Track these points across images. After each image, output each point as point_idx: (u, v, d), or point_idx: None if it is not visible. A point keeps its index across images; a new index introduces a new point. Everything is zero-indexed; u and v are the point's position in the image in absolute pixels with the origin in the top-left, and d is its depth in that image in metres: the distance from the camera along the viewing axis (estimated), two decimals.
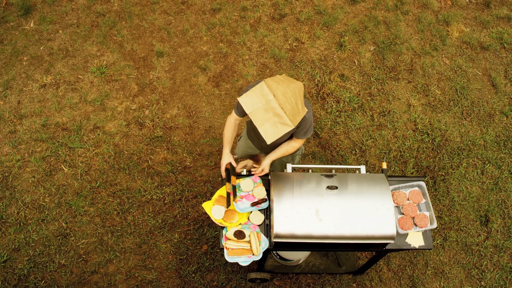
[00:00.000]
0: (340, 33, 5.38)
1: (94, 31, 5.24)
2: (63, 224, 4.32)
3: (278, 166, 3.88)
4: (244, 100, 2.87)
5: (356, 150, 4.76)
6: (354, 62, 5.23)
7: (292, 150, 3.37)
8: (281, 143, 3.37)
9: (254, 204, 3.25)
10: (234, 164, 3.33)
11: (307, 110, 3.07)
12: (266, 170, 3.36)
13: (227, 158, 3.32)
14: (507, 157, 4.83)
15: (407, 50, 5.33)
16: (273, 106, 2.83)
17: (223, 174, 3.34)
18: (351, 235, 3.01)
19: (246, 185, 3.34)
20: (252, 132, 3.57)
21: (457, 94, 5.13)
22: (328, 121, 4.85)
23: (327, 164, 4.67)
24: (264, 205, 3.28)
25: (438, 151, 4.81)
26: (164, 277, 4.19)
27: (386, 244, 3.16)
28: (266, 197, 3.30)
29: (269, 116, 2.84)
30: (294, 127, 2.85)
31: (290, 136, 3.34)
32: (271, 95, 2.84)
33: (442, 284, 4.29)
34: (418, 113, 4.98)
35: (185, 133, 4.75)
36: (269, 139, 2.86)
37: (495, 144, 4.90)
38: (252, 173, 3.41)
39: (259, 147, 3.64)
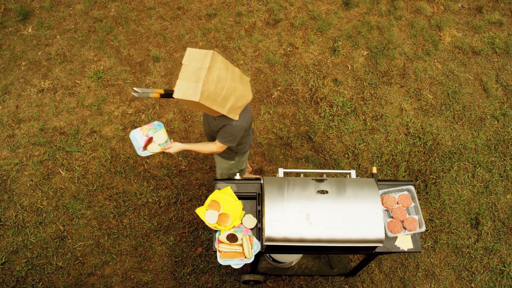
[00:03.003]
0: (333, 38, 5.46)
1: (91, 37, 5.32)
2: (61, 226, 4.40)
3: (218, 175, 4.01)
4: (189, 52, 2.97)
5: (349, 154, 4.84)
6: (348, 67, 5.31)
7: (206, 150, 3.46)
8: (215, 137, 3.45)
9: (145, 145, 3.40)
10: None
11: (236, 120, 3.15)
12: (171, 151, 3.43)
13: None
14: (498, 161, 4.91)
15: (399, 55, 5.41)
16: (200, 74, 2.91)
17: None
18: (340, 238, 3.09)
19: (158, 137, 3.44)
20: (203, 117, 3.65)
21: (448, 99, 5.21)
22: (321, 125, 4.93)
23: (320, 167, 4.75)
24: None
25: (430, 154, 4.89)
26: (160, 279, 4.27)
27: (375, 247, 3.24)
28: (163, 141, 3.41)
29: (192, 78, 2.92)
30: (197, 100, 2.91)
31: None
32: (208, 66, 2.92)
33: (432, 286, 4.36)
34: (410, 117, 5.06)
35: (181, 137, 4.82)
36: (176, 94, 2.94)
37: (486, 147, 4.98)
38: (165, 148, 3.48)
39: (205, 132, 3.70)
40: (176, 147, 3.44)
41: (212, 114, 3.23)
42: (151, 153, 3.42)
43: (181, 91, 2.94)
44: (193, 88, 2.92)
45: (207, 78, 2.92)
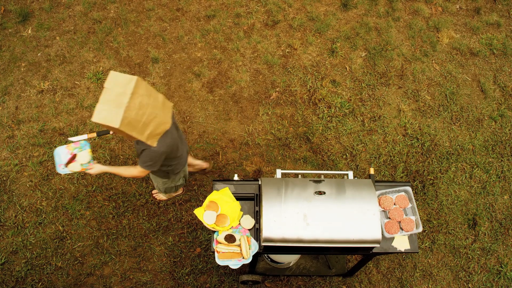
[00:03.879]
0: (332, 39, 5.49)
1: (90, 38, 5.34)
2: (60, 227, 4.42)
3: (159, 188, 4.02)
4: (113, 76, 2.94)
5: (347, 154, 4.86)
6: (346, 68, 5.33)
7: (128, 174, 3.45)
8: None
9: (68, 163, 3.43)
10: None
11: (155, 145, 3.15)
12: (91, 172, 3.45)
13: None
14: (495, 162, 4.94)
15: (398, 56, 5.44)
16: (122, 100, 2.88)
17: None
18: (337, 239, 3.11)
19: (82, 156, 3.46)
20: None
21: (446, 100, 5.23)
22: (319, 126, 4.96)
23: (318, 168, 4.77)
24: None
25: (428, 155, 4.92)
26: (158, 279, 4.29)
27: (372, 247, 3.26)
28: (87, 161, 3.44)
29: (113, 103, 2.89)
30: (117, 127, 2.89)
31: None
32: (131, 93, 2.89)
33: (430, 286, 4.39)
34: (408, 118, 5.09)
35: None
36: (95, 118, 2.91)
37: (484, 148, 5.00)
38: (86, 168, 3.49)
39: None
40: (97, 168, 3.44)
41: (129, 139, 3.23)
42: (71, 172, 3.43)
43: (101, 116, 2.90)
44: (114, 113, 2.88)
45: (129, 104, 2.89)
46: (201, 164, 4.49)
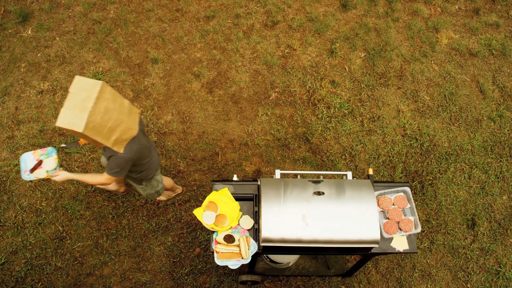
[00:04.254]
0: (331, 40, 5.50)
1: (90, 38, 5.35)
2: (60, 227, 4.43)
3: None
4: (78, 80, 2.93)
5: (346, 155, 4.87)
6: (345, 68, 5.34)
7: (94, 181, 3.43)
8: None
9: (32, 170, 3.42)
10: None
11: (122, 152, 3.13)
12: (57, 179, 3.43)
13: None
14: (494, 162, 4.95)
15: (397, 57, 5.45)
16: (87, 105, 2.88)
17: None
18: (336, 239, 3.12)
19: (48, 163, 3.44)
20: None
21: (445, 100, 5.24)
22: (318, 127, 4.97)
23: (318, 169, 4.78)
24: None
25: (426, 156, 4.93)
26: (158, 279, 4.30)
27: (371, 248, 3.27)
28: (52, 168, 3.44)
29: (78, 107, 2.88)
30: (81, 131, 2.88)
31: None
32: (95, 97, 2.89)
33: (429, 286, 4.40)
34: (407, 118, 5.10)
35: (179, 139, 4.86)
36: (59, 122, 2.90)
37: (482, 149, 5.01)
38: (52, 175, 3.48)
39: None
40: (62, 175, 3.42)
41: (96, 145, 3.21)
42: (35, 178, 3.41)
43: (65, 120, 2.89)
44: (78, 118, 2.87)
45: (94, 109, 2.88)
46: (177, 187, 4.51)
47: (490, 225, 4.67)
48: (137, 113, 3.23)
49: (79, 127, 2.87)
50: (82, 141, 3.59)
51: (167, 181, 4.21)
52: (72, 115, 2.88)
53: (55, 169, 3.42)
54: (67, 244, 4.38)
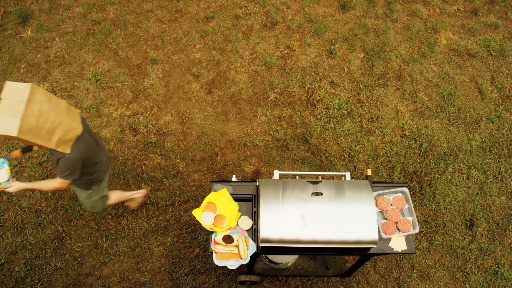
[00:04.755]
0: (330, 40, 5.51)
1: (90, 39, 5.36)
2: (59, 228, 4.44)
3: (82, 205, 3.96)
4: (8, 85, 2.89)
5: (345, 155, 4.89)
6: (344, 69, 5.36)
7: (48, 187, 3.39)
8: None
9: None
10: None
11: (69, 152, 3.10)
12: (10, 191, 3.40)
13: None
14: (493, 163, 4.96)
15: (396, 57, 5.46)
16: (18, 108, 2.84)
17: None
18: (334, 239, 3.14)
19: (0, 175, 3.40)
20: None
21: (444, 101, 5.25)
22: (317, 127, 4.98)
23: (317, 169, 4.80)
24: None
25: (425, 156, 4.94)
26: (157, 279, 4.31)
27: (369, 248, 3.29)
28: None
29: (9, 112, 2.84)
30: (15, 135, 2.84)
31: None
32: (26, 100, 2.85)
33: (427, 286, 4.41)
34: (406, 119, 5.11)
35: (178, 139, 4.87)
36: None
37: (481, 149, 5.03)
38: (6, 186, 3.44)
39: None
40: (15, 186, 3.39)
41: (40, 148, 3.18)
42: None
43: None
44: (10, 122, 2.83)
45: (26, 112, 2.84)
46: (136, 192, 4.37)
47: (489, 225, 4.69)
48: (77, 113, 3.20)
49: (13, 132, 2.83)
50: (15, 154, 3.52)
51: (116, 194, 4.12)
52: (4, 120, 2.84)
53: (8, 180, 3.38)
54: (67, 244, 4.39)
